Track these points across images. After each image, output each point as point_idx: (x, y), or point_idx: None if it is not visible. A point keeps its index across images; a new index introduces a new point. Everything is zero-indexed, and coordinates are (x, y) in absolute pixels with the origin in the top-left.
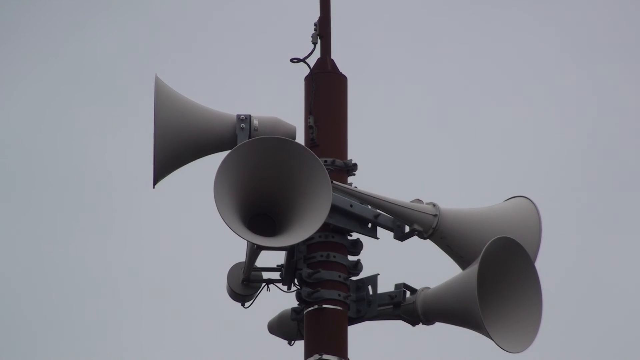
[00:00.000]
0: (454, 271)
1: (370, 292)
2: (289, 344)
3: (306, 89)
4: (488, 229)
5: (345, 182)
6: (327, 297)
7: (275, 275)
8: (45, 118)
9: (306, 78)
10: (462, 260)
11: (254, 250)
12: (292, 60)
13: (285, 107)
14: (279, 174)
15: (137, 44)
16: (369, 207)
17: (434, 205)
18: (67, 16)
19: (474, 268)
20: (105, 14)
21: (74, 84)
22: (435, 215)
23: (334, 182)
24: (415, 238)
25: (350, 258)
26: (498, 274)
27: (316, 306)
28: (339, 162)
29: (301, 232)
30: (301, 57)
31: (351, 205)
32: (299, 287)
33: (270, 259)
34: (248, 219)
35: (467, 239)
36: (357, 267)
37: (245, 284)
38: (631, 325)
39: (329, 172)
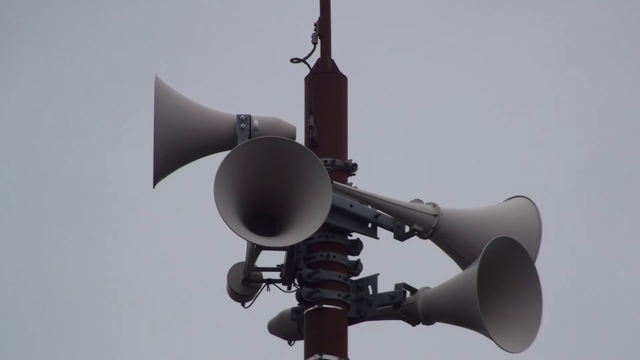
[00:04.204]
0: (454, 271)
1: (370, 292)
2: (289, 344)
3: (306, 89)
4: (488, 229)
5: (345, 182)
6: (327, 297)
7: (275, 275)
8: (45, 118)
9: (306, 78)
10: (462, 260)
11: (254, 250)
12: (292, 60)
13: (285, 107)
14: (279, 174)
15: (137, 44)
16: (369, 207)
17: (434, 205)
18: (67, 16)
19: (474, 268)
20: (105, 13)
21: (73, 85)
22: (435, 215)
23: (334, 182)
24: (415, 238)
25: (350, 258)
26: (498, 274)
27: (316, 306)
28: (339, 162)
29: (301, 232)
30: (301, 57)
31: (351, 205)
32: (299, 287)
33: (270, 259)
34: (248, 219)
35: (467, 239)
36: (357, 267)
37: (245, 284)
38: (632, 325)
39: (329, 172)
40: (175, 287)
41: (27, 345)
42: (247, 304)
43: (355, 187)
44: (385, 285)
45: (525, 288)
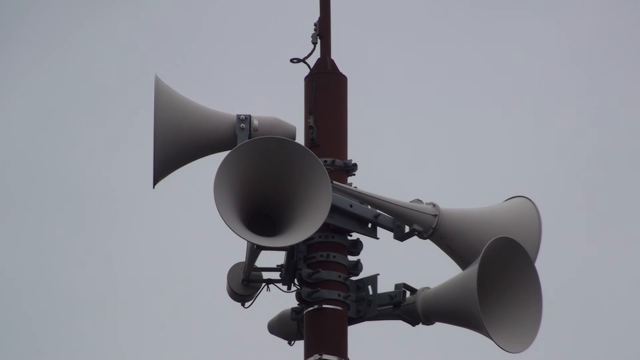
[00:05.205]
0: (454, 271)
1: (370, 292)
2: (289, 344)
3: (306, 89)
4: (488, 229)
5: (345, 182)
6: (327, 297)
7: (275, 275)
8: (45, 119)
9: (306, 78)
10: (462, 260)
11: (254, 250)
12: (292, 60)
13: (285, 107)
14: (279, 174)
15: (137, 44)
16: (369, 207)
17: (434, 205)
18: (67, 17)
19: (474, 268)
20: (105, 14)
21: (74, 85)
22: (435, 215)
23: (334, 182)
24: (415, 238)
25: (350, 258)
26: (498, 274)
27: (316, 306)
28: (339, 162)
29: (301, 232)
30: (301, 57)
31: (351, 205)
32: (299, 287)
33: (270, 259)
34: (248, 219)
35: (467, 239)
36: (357, 267)
37: (245, 284)
38: (632, 325)
39: (329, 172)
40: (175, 287)
41: (28, 345)
42: (247, 304)
43: (355, 187)
44: (385, 285)
45: (525, 288)
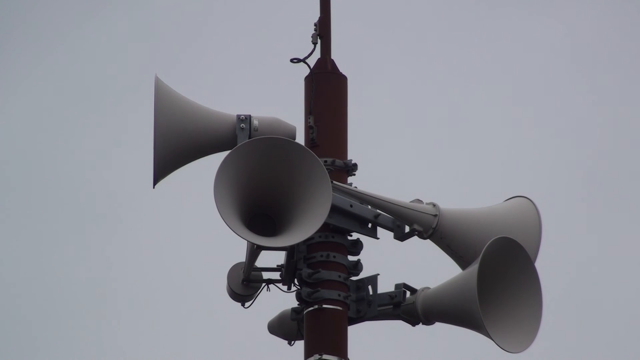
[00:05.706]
0: (454, 271)
1: (370, 292)
2: (289, 344)
3: (306, 89)
4: (488, 229)
5: (345, 182)
6: (327, 297)
7: (275, 275)
8: (45, 118)
9: (306, 78)
10: (462, 260)
11: (254, 250)
12: (292, 60)
13: (285, 107)
14: (279, 174)
15: (137, 44)
16: (369, 207)
17: (434, 205)
18: (67, 17)
19: (474, 268)
20: (105, 14)
21: (74, 85)
22: (435, 215)
23: (334, 182)
24: (415, 238)
25: (350, 258)
26: (498, 274)
27: (316, 306)
28: (339, 162)
29: (301, 232)
30: (301, 57)
31: (351, 205)
32: (299, 287)
33: (270, 259)
34: (248, 219)
35: (467, 239)
36: (357, 267)
37: (245, 284)
38: (632, 325)
39: (329, 172)
40: (175, 287)
41: (28, 345)
42: (247, 304)
43: (355, 187)
44: (385, 286)
45: (525, 288)
